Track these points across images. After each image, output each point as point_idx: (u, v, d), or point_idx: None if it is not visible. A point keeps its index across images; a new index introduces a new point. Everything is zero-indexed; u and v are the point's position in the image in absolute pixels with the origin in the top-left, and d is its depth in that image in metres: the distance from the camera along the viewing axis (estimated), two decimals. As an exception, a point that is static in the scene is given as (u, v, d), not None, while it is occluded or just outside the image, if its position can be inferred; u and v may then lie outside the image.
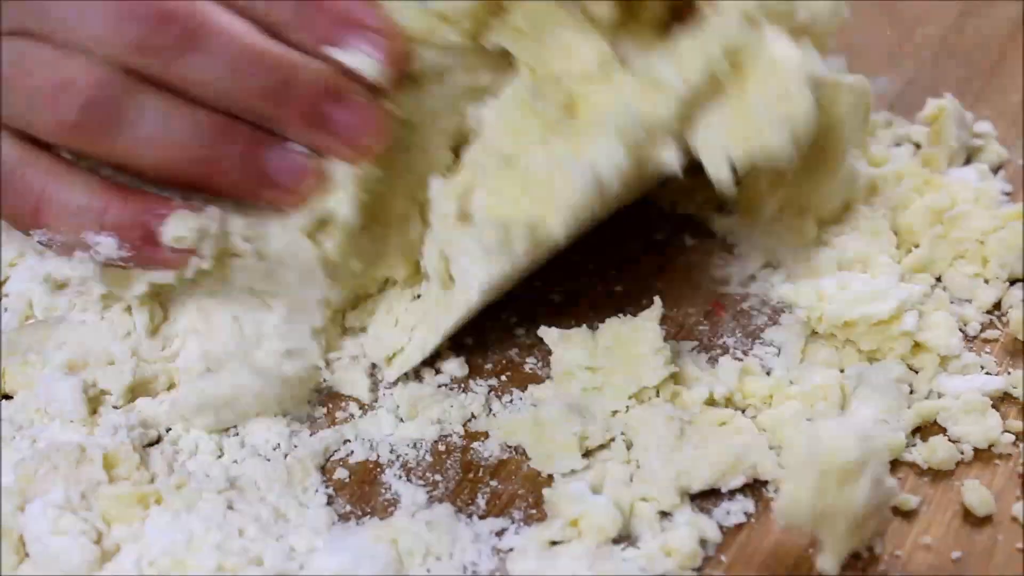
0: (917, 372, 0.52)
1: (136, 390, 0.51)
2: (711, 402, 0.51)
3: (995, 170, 0.63)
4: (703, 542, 0.46)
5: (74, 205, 0.48)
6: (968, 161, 0.63)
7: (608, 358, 0.51)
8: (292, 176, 0.49)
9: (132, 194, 0.48)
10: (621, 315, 0.52)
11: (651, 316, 0.51)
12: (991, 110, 0.69)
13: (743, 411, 0.51)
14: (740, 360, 0.53)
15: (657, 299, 0.52)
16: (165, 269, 0.49)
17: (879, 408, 0.50)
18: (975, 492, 0.47)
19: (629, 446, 0.49)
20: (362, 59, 0.48)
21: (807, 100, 0.48)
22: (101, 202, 0.48)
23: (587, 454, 0.49)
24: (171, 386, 0.52)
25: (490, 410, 0.52)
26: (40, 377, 0.51)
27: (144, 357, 0.52)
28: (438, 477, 0.49)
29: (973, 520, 0.47)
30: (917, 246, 0.57)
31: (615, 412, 0.50)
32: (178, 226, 0.48)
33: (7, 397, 0.51)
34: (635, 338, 0.51)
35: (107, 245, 0.48)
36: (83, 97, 0.46)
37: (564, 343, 0.51)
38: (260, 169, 0.48)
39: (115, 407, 0.51)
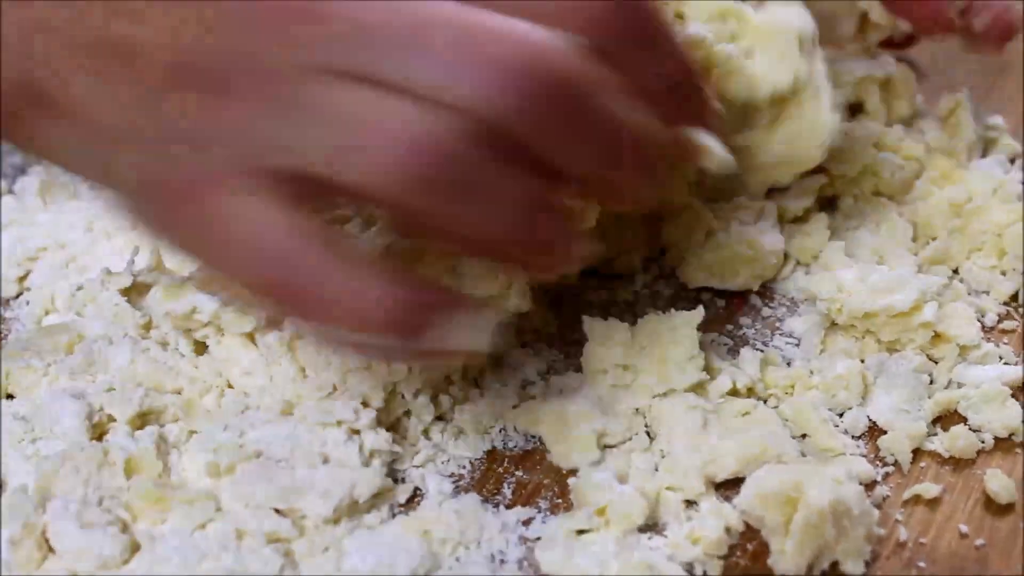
0: (936, 362, 0.53)
1: (145, 418, 0.49)
2: (733, 392, 0.51)
3: (1010, 162, 0.64)
4: (728, 530, 0.46)
5: (347, 294, 0.41)
6: (985, 154, 0.64)
7: (642, 358, 0.51)
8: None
9: (412, 282, 0.43)
10: (660, 312, 0.53)
11: (691, 320, 0.51)
12: (1000, 106, 0.69)
13: (764, 401, 0.52)
14: (760, 351, 0.54)
15: (700, 307, 0.52)
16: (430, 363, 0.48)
17: (899, 398, 0.51)
18: (997, 480, 0.48)
19: (652, 436, 0.49)
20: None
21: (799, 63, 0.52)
22: (379, 291, 0.41)
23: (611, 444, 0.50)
24: (176, 419, 0.50)
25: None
26: (42, 393, 0.50)
27: (156, 384, 0.50)
28: (463, 468, 0.49)
29: (996, 508, 0.47)
30: (935, 239, 0.58)
31: (638, 409, 0.51)
32: (466, 331, 0.43)
33: (10, 396, 0.51)
34: (672, 340, 0.51)
35: (371, 342, 0.43)
36: (436, 158, 0.39)
37: (603, 337, 0.51)
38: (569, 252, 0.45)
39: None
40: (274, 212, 0.40)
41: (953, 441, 0.49)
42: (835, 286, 0.54)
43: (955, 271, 0.57)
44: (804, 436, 0.50)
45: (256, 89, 0.40)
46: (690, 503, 0.47)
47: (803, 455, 0.48)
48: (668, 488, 0.47)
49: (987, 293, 0.56)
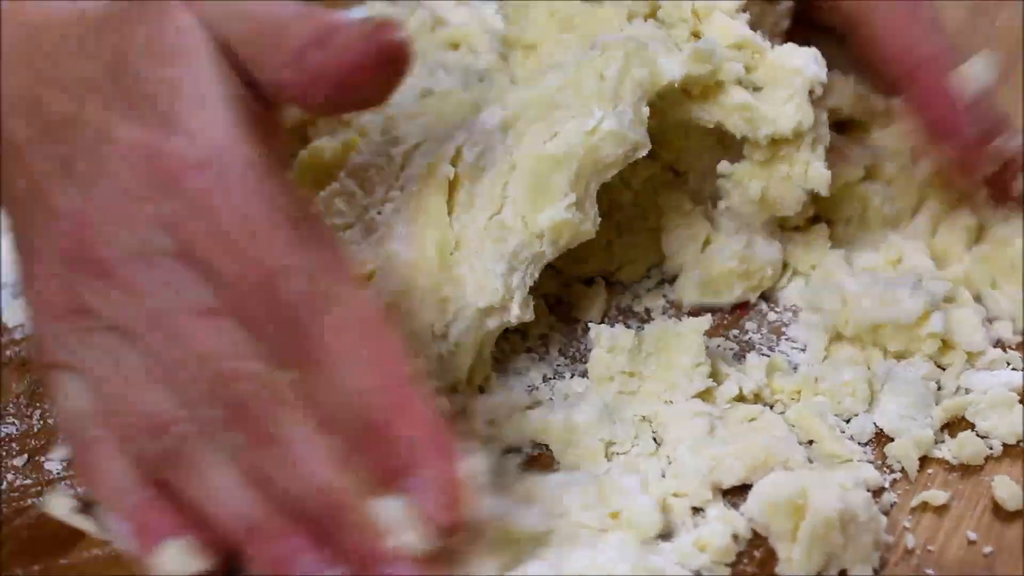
0: (943, 368, 0.52)
1: None
2: (740, 398, 0.51)
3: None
4: (735, 537, 0.46)
5: (102, 484, 0.44)
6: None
7: (648, 365, 0.51)
8: None
9: (152, 496, 0.43)
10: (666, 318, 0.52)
11: (697, 327, 0.51)
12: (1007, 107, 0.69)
13: (771, 407, 0.51)
14: (767, 356, 0.53)
15: (707, 315, 0.52)
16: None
17: (906, 404, 0.50)
18: (1005, 487, 0.47)
19: (659, 443, 0.49)
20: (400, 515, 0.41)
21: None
22: (118, 489, 0.43)
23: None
24: None
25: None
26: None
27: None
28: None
29: (1004, 515, 0.47)
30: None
31: (645, 416, 0.50)
32: (170, 559, 0.43)
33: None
34: (679, 346, 0.51)
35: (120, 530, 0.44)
36: (157, 438, 0.42)
37: (609, 343, 0.51)
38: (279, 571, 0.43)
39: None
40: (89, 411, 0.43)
41: (961, 448, 0.49)
42: (839, 297, 0.53)
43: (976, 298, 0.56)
44: (811, 442, 0.50)
45: None
46: (697, 510, 0.47)
47: (810, 461, 0.48)
48: (675, 495, 0.47)
49: (1010, 321, 0.55)
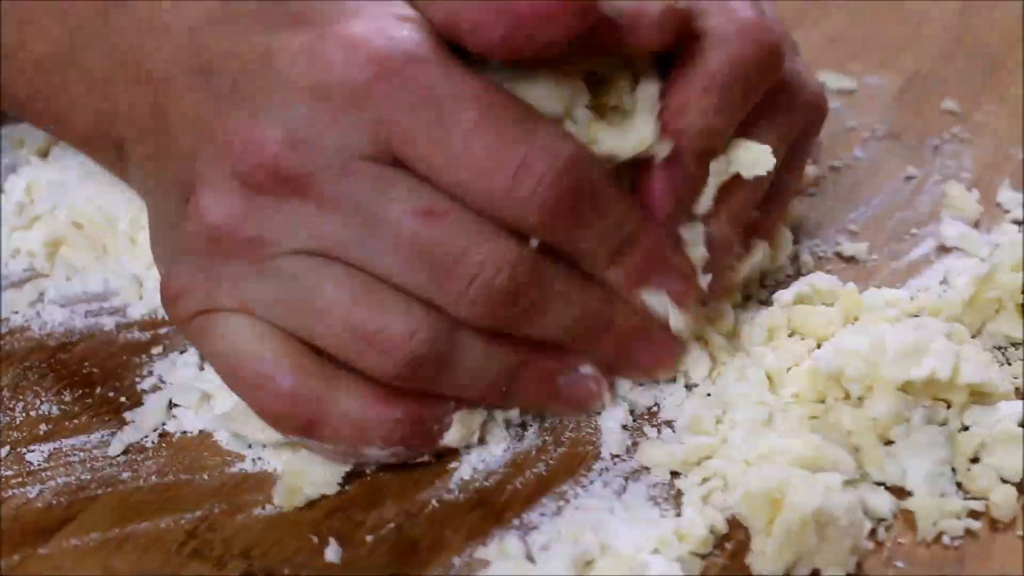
0: (948, 406, 0.49)
1: None
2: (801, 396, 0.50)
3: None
4: (712, 529, 0.45)
5: (351, 417, 0.44)
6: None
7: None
8: (579, 400, 0.49)
9: (408, 400, 0.45)
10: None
11: None
12: (995, 104, 0.70)
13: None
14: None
15: None
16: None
17: (931, 465, 0.48)
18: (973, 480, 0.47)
19: (718, 420, 0.49)
20: (665, 305, 0.48)
21: None
22: (379, 412, 0.44)
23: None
24: None
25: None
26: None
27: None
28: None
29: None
30: None
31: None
32: (460, 429, 0.46)
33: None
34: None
35: (378, 452, 0.46)
36: (413, 353, 0.43)
37: None
38: (552, 392, 0.48)
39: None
40: (278, 347, 0.44)
41: (971, 481, 0.47)
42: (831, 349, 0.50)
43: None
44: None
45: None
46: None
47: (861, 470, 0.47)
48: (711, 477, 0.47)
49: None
